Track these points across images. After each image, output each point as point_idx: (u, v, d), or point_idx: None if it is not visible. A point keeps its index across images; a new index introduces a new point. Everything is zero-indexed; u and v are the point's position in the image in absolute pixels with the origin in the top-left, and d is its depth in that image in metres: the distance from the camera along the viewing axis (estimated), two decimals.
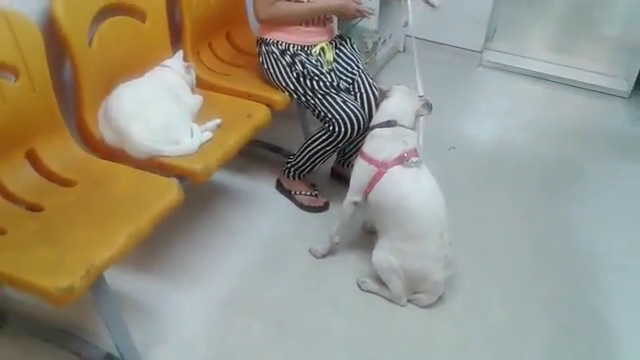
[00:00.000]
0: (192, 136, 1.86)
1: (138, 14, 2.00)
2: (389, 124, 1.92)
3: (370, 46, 3.12)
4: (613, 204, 2.55)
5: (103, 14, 1.87)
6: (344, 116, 2.08)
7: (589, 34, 4.47)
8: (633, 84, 3.41)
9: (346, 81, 2.24)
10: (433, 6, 2.18)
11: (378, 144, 1.92)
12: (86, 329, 1.80)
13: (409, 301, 1.97)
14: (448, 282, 1.95)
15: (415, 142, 1.94)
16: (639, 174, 2.77)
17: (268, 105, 2.15)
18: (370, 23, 3.16)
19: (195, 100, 2.01)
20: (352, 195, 2.00)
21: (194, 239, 2.20)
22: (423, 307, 1.96)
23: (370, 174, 1.91)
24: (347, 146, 2.33)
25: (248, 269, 2.10)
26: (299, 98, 2.19)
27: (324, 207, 2.39)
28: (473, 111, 3.26)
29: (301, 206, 2.39)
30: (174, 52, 2.12)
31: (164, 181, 1.69)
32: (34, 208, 1.59)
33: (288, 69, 2.17)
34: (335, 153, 2.32)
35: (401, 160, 1.87)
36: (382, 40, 3.44)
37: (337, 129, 2.10)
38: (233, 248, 2.18)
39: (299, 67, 2.15)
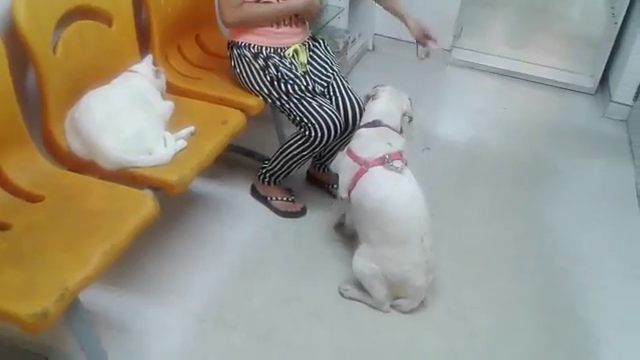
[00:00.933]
0: (165, 145, 1.78)
1: (104, 18, 1.91)
2: (374, 124, 1.93)
3: (341, 46, 3.09)
4: (586, 201, 2.59)
5: (67, 18, 1.77)
6: (320, 121, 2.03)
7: (554, 31, 4.56)
8: (598, 81, 3.47)
9: (321, 84, 2.19)
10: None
11: (362, 143, 1.94)
12: (58, 350, 1.72)
13: (392, 307, 1.94)
14: (430, 287, 1.93)
15: (401, 145, 1.93)
16: (608, 170, 2.83)
17: (242, 110, 2.09)
18: (340, 23, 3.13)
19: (166, 106, 1.93)
20: (340, 192, 2.02)
21: (168, 250, 2.12)
22: (406, 313, 1.94)
23: (353, 171, 1.92)
24: (323, 150, 2.28)
25: (226, 280, 2.04)
26: (274, 102, 2.14)
27: (301, 212, 2.34)
28: (444, 110, 3.28)
29: (277, 212, 2.34)
30: (142, 57, 2.04)
31: (138, 194, 1.61)
32: (1, 227, 1.49)
33: (261, 72, 2.11)
34: (311, 157, 2.28)
35: (383, 161, 1.87)
36: (352, 39, 3.40)
37: (313, 134, 2.05)
38: (209, 258, 2.11)
39: (272, 70, 2.09)
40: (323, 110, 2.05)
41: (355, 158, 1.92)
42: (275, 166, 2.24)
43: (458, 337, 1.90)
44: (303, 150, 2.12)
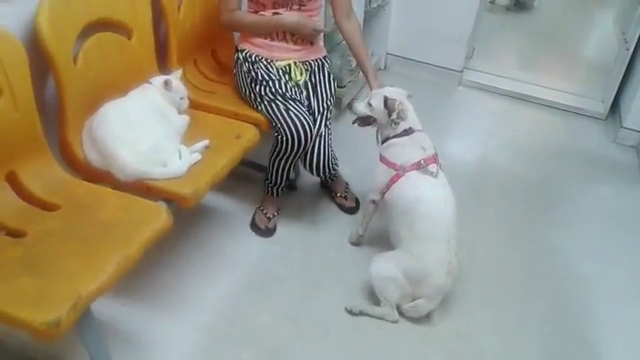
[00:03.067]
0: (180, 158, 1.80)
1: (124, 30, 1.94)
2: (406, 132, 1.98)
3: (354, 64, 3.10)
4: (595, 226, 2.58)
5: (89, 30, 1.80)
6: (285, 125, 2.03)
7: (565, 56, 4.57)
8: (609, 106, 3.47)
9: (307, 104, 2.18)
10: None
11: (397, 150, 1.99)
12: (66, 359, 1.72)
13: (401, 314, 1.95)
14: (440, 306, 1.93)
15: (432, 147, 1.99)
16: (619, 196, 2.81)
17: (256, 125, 2.11)
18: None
19: (182, 120, 1.95)
20: (371, 194, 2.11)
21: (178, 262, 2.13)
22: (420, 317, 1.94)
23: (388, 176, 1.98)
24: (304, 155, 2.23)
25: (235, 295, 2.04)
26: (256, 106, 2.16)
27: (265, 232, 2.32)
28: (455, 131, 3.28)
29: (252, 222, 2.35)
30: (160, 69, 2.07)
31: (152, 206, 1.63)
32: (16, 234, 1.50)
33: (246, 74, 2.17)
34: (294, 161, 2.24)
35: (419, 166, 1.93)
36: None
37: (280, 137, 2.06)
38: (219, 272, 2.12)
39: (253, 73, 2.15)
40: (290, 114, 2.04)
41: (390, 165, 1.98)
42: (270, 177, 2.27)
43: (465, 358, 1.89)
44: (282, 155, 2.13)
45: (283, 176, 2.24)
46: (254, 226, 2.34)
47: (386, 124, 2.02)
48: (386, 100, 1.99)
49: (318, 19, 2.24)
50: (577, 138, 3.35)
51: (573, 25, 5.34)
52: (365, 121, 2.11)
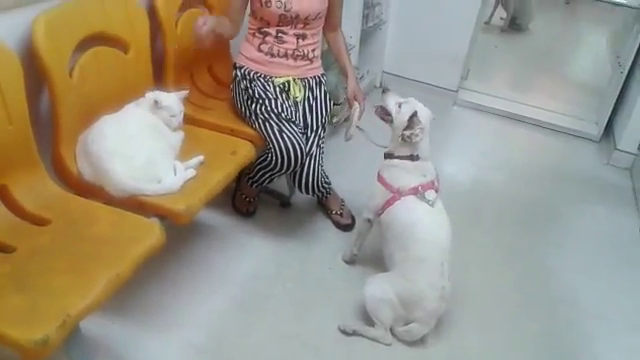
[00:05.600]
0: (175, 174, 1.78)
1: (121, 45, 1.93)
2: (412, 158, 1.95)
3: None
4: (590, 248, 2.58)
5: (85, 44, 1.79)
6: (282, 145, 2.03)
7: (559, 77, 4.63)
8: (603, 128, 3.49)
9: (302, 122, 2.19)
10: (362, 130, 2.28)
11: (397, 173, 1.97)
12: None
13: (395, 336, 1.92)
14: (434, 328, 1.91)
15: (433, 174, 1.97)
16: (613, 218, 2.82)
17: (251, 141, 2.10)
18: (351, 59, 3.15)
19: (177, 136, 1.93)
20: (366, 213, 2.10)
21: (168, 279, 2.10)
22: (413, 341, 1.92)
23: (385, 197, 1.97)
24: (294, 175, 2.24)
25: (226, 313, 2.01)
26: (250, 124, 2.15)
27: (246, 214, 2.45)
28: (450, 150, 3.28)
29: (232, 203, 2.47)
30: (156, 84, 2.05)
31: (145, 222, 1.60)
32: (5, 249, 1.47)
33: (243, 92, 2.18)
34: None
35: (416, 191, 1.91)
36: (360, 76, 3.44)
37: (269, 157, 2.08)
38: (210, 289, 2.09)
39: (250, 91, 2.15)
40: (283, 136, 2.04)
41: (387, 186, 1.96)
42: (251, 173, 2.27)
43: None
44: (268, 169, 2.14)
45: (263, 182, 2.27)
46: (236, 208, 2.46)
47: (397, 133, 1.97)
48: (413, 115, 1.93)
49: (318, 37, 2.26)
50: (571, 159, 3.37)
51: (567, 47, 5.41)
52: (384, 113, 2.03)
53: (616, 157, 3.26)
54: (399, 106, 1.99)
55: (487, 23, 5.42)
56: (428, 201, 1.90)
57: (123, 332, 1.88)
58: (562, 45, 5.42)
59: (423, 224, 1.89)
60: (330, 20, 2.28)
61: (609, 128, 3.50)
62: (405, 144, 1.95)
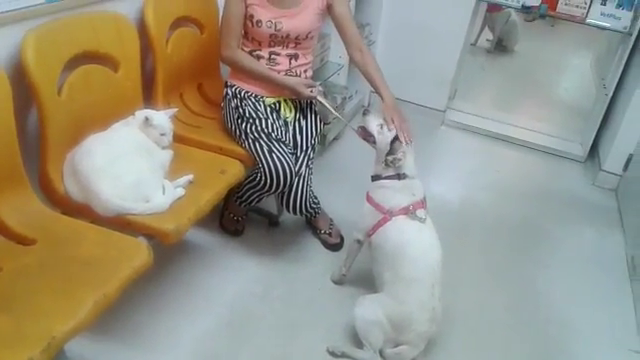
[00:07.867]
0: (164, 193, 1.76)
1: (111, 63, 1.92)
2: (399, 177, 1.94)
3: (339, 101, 3.13)
4: (577, 269, 2.58)
5: (75, 62, 1.78)
6: (271, 166, 2.02)
7: (545, 98, 4.69)
8: (588, 149, 3.53)
9: (292, 142, 2.19)
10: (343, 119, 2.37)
11: (386, 194, 1.96)
12: None
13: (384, 359, 1.90)
14: (424, 351, 1.90)
15: (422, 193, 1.96)
16: (599, 239, 2.84)
17: (240, 160, 2.09)
18: (340, 79, 3.18)
19: (166, 155, 1.92)
20: (356, 233, 2.09)
21: (155, 299, 2.07)
22: None
23: (375, 219, 1.96)
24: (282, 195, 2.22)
25: (213, 334, 1.98)
26: (240, 143, 2.15)
27: (234, 233, 2.44)
28: (438, 170, 3.29)
29: (220, 222, 2.46)
30: (146, 102, 2.05)
31: (133, 242, 1.59)
32: None
33: (233, 111, 2.17)
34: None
35: (407, 211, 1.90)
36: (349, 95, 3.45)
37: (258, 177, 2.08)
38: (197, 309, 2.06)
39: (240, 110, 2.15)
40: (272, 156, 2.04)
41: (378, 207, 1.95)
42: (240, 192, 2.26)
43: None
44: (257, 189, 2.14)
45: (251, 201, 2.26)
46: (223, 227, 2.45)
47: (380, 157, 1.98)
48: (394, 140, 1.95)
49: (311, 57, 2.27)
50: (557, 180, 3.40)
51: (552, 69, 5.48)
52: (366, 134, 2.03)
53: (601, 178, 3.29)
54: (380, 127, 2.00)
55: (474, 44, 5.49)
56: (420, 219, 1.90)
57: (108, 353, 1.85)
58: (548, 67, 5.50)
59: (414, 245, 1.88)
60: (348, 40, 2.20)
61: (594, 149, 3.54)
62: (387, 167, 1.97)
